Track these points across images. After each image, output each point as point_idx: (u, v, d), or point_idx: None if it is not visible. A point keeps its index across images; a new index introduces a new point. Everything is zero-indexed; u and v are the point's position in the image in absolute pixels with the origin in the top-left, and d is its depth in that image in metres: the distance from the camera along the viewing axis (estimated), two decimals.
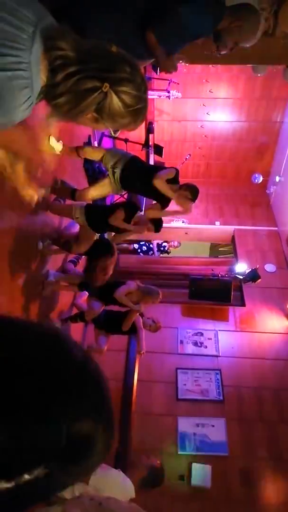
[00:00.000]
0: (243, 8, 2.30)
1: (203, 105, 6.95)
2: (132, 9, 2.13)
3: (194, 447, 4.39)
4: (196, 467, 4.20)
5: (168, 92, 6.37)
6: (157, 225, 3.75)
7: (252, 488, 4.10)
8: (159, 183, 3.42)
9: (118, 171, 3.52)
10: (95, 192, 3.85)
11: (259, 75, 5.54)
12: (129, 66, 1.10)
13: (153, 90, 6.49)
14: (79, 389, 0.53)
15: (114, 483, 2.35)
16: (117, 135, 1.16)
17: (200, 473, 4.14)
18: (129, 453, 4.12)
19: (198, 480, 4.10)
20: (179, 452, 4.35)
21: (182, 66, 4.73)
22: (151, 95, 6.32)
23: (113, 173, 3.56)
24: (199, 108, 7.02)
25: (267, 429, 4.56)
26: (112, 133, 1.28)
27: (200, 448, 4.38)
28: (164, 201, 3.61)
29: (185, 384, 4.88)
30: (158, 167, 3.57)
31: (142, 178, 3.53)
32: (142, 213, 4.23)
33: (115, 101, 1.09)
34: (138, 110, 1.16)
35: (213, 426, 4.53)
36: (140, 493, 2.56)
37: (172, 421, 4.56)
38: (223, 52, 2.49)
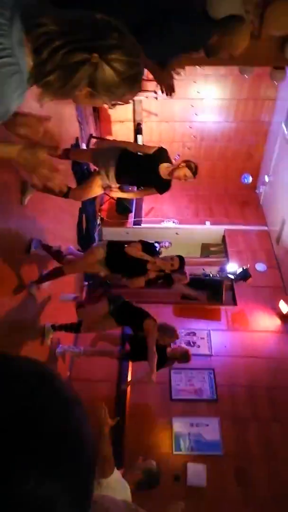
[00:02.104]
0: (231, 21, 2.32)
1: (191, 105, 6.99)
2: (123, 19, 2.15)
3: (189, 447, 4.40)
4: (191, 467, 4.20)
5: (156, 93, 6.37)
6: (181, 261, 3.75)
7: (247, 487, 4.12)
8: (165, 168, 3.49)
9: (112, 168, 3.54)
10: (88, 191, 3.87)
11: (246, 76, 5.58)
12: (117, 32, 1.03)
13: (140, 91, 6.50)
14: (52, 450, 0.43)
15: (121, 483, 2.34)
16: (115, 108, 1.12)
17: (195, 472, 4.14)
18: (124, 456, 4.11)
19: (193, 480, 4.10)
20: (174, 452, 4.35)
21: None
22: (139, 95, 6.33)
23: (108, 171, 3.57)
24: (187, 108, 7.05)
25: (261, 428, 4.59)
26: (111, 106, 1.21)
27: (195, 448, 4.39)
28: (165, 186, 3.64)
29: (178, 384, 4.88)
30: (147, 155, 3.58)
31: (143, 166, 3.57)
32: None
33: (107, 71, 1.04)
34: (133, 77, 1.09)
35: (207, 425, 4.55)
36: (135, 494, 2.57)
37: (167, 422, 4.56)
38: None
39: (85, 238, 6.09)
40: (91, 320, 4.20)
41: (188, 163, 3.52)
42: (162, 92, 3.08)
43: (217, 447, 4.41)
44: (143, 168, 3.58)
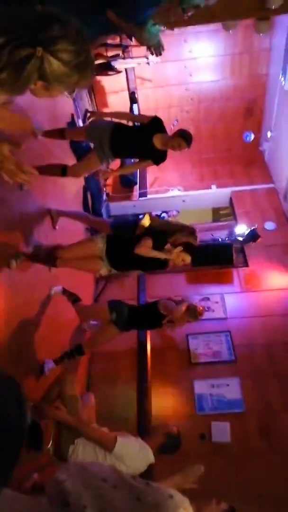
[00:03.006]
0: None
1: (185, 67, 6.77)
2: None
3: (212, 407, 4.55)
4: (215, 424, 4.37)
5: (147, 58, 6.19)
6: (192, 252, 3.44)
7: (270, 439, 4.28)
8: (159, 138, 3.46)
9: (106, 143, 3.52)
10: (86, 167, 3.86)
11: (230, 31, 5.37)
12: (58, 23, 1.04)
13: (131, 58, 6.32)
14: None
15: (133, 451, 2.50)
16: (73, 96, 1.15)
17: (220, 430, 4.31)
18: (149, 421, 4.30)
19: (218, 437, 4.27)
20: (197, 413, 4.52)
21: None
22: (130, 63, 6.17)
23: (102, 148, 3.56)
24: (181, 70, 6.86)
25: (280, 383, 4.69)
26: (69, 96, 1.25)
27: (218, 407, 4.54)
28: (161, 157, 3.62)
29: (196, 349, 5.00)
30: (142, 125, 3.56)
31: (137, 138, 3.54)
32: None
33: (54, 62, 1.06)
34: (81, 64, 1.11)
35: (228, 385, 4.68)
36: (161, 457, 2.73)
37: (188, 385, 4.71)
38: (190, 13, 2.43)
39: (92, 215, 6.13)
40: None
41: (181, 133, 3.47)
42: (152, 53, 3.03)
43: (239, 404, 4.55)
44: (137, 140, 3.55)
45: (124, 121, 3.88)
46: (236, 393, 4.61)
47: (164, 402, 4.56)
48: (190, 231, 3.54)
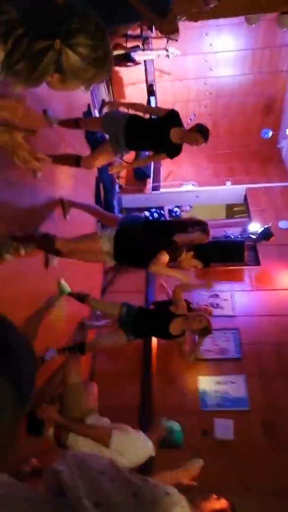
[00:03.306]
0: None
1: (205, 60, 6.68)
2: None
3: (216, 404, 4.53)
4: (218, 421, 4.35)
5: (167, 50, 6.13)
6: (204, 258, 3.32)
7: (274, 438, 4.25)
8: (176, 132, 3.42)
9: (121, 134, 3.49)
10: (100, 159, 3.81)
11: (253, 25, 5.27)
12: (78, 16, 1.04)
13: (151, 50, 6.26)
14: None
15: (132, 444, 2.50)
16: (89, 91, 1.15)
17: (223, 427, 4.29)
18: (152, 414, 4.31)
19: (221, 434, 4.26)
20: (201, 409, 4.50)
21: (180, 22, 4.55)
22: (149, 55, 6.11)
23: (116, 139, 3.54)
24: (200, 64, 6.76)
25: (286, 383, 4.65)
26: (84, 90, 1.24)
27: (222, 404, 4.52)
28: (176, 151, 3.59)
29: (203, 345, 4.97)
30: (159, 118, 3.51)
31: (153, 131, 3.50)
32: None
33: (71, 56, 1.06)
34: (99, 59, 1.11)
35: (233, 383, 4.65)
36: (162, 450, 2.73)
37: (193, 381, 4.70)
38: (212, 5, 2.39)
39: (104, 207, 6.12)
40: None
41: (199, 127, 3.43)
42: (167, 37, 3.00)
43: (243, 402, 4.52)
44: (152, 133, 3.51)
45: (140, 113, 3.85)
46: (241, 391, 4.58)
47: (168, 396, 4.55)
48: (202, 227, 3.52)
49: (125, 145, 3.57)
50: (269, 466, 4.03)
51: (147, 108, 3.75)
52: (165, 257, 3.07)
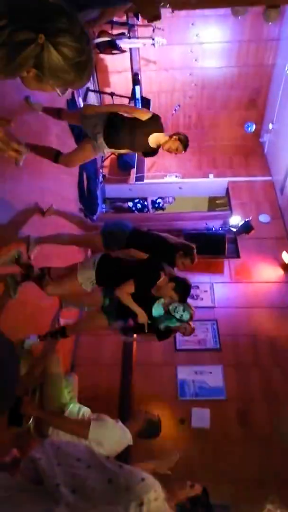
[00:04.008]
0: None
1: (191, 51, 6.65)
2: None
3: (194, 393, 4.63)
4: (195, 410, 4.46)
5: (153, 39, 6.07)
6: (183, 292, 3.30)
7: (248, 426, 4.38)
8: (155, 138, 3.40)
9: (100, 132, 3.42)
10: (79, 157, 3.67)
11: (239, 17, 5.26)
12: (66, 17, 1.03)
13: (137, 38, 6.19)
14: None
15: (110, 434, 2.55)
16: (64, 95, 1.13)
17: (200, 416, 4.40)
18: (131, 403, 4.38)
19: (197, 422, 4.37)
20: (179, 398, 4.60)
21: (165, 10, 4.50)
22: (135, 43, 6.04)
23: (95, 137, 3.45)
24: (186, 54, 6.72)
25: (262, 373, 4.78)
26: (60, 93, 1.19)
27: (199, 393, 4.62)
28: (152, 154, 3.58)
29: (182, 336, 5.05)
30: (139, 120, 3.40)
31: (131, 131, 3.42)
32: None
33: (54, 54, 1.03)
34: (81, 64, 1.09)
35: (210, 373, 4.75)
36: (140, 441, 2.80)
37: (172, 370, 4.78)
38: None
39: (87, 197, 6.09)
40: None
41: (180, 137, 3.43)
42: (152, 27, 2.95)
43: (220, 392, 4.63)
44: (132, 134, 3.43)
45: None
46: (218, 381, 4.70)
47: (147, 386, 4.63)
48: (188, 251, 3.55)
49: (104, 143, 3.48)
50: (242, 454, 4.17)
51: (128, 109, 3.58)
52: (130, 288, 3.10)
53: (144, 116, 3.37)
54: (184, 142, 3.45)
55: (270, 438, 4.25)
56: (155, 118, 3.39)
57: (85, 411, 2.79)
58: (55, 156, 3.59)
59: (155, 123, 3.40)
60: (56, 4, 1.03)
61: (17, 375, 2.21)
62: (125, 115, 3.45)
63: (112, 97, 6.27)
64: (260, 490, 3.84)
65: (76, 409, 2.74)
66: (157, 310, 3.30)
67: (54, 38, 1.02)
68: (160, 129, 3.44)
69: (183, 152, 3.50)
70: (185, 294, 3.25)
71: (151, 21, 2.72)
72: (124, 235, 3.64)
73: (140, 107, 3.62)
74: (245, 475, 4.01)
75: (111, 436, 2.54)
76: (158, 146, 3.48)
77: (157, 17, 2.76)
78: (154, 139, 3.41)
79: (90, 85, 6.46)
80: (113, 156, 7.03)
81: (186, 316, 3.33)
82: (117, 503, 0.94)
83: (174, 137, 3.43)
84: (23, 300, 3.39)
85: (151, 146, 3.45)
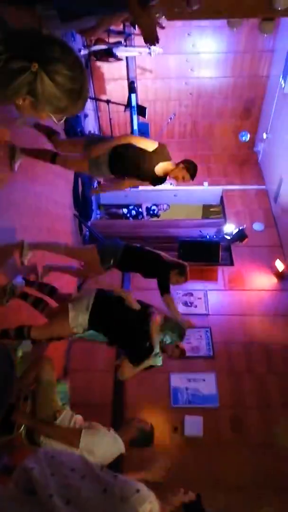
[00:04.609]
0: None
1: (187, 61, 6.73)
2: None
3: (187, 401, 4.61)
4: (188, 418, 4.44)
5: (149, 48, 6.12)
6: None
7: (241, 434, 4.37)
8: (162, 167, 3.32)
9: (105, 162, 3.29)
10: (76, 166, 3.57)
11: (234, 29, 5.34)
12: (60, 47, 1.09)
13: (133, 46, 6.25)
14: None
15: (102, 443, 2.53)
16: (60, 123, 1.19)
17: (193, 424, 4.38)
18: (124, 410, 4.35)
19: (190, 430, 4.35)
20: (172, 406, 4.58)
21: (161, 20, 4.56)
22: (131, 52, 6.10)
23: (100, 167, 3.34)
24: (182, 64, 6.80)
25: (255, 380, 4.79)
26: (56, 121, 1.22)
27: (192, 401, 4.61)
28: (160, 182, 3.47)
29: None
30: (145, 150, 3.28)
31: (138, 162, 3.31)
32: None
33: (47, 82, 1.07)
34: (74, 91, 1.14)
35: (204, 380, 4.75)
36: (132, 449, 2.77)
37: (165, 378, 4.76)
38: (194, 7, 2.41)
39: (81, 203, 6.09)
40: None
41: (189, 166, 3.33)
42: (145, 42, 2.94)
43: (213, 399, 4.63)
44: (137, 165, 3.34)
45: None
46: (211, 388, 4.69)
47: (140, 393, 4.60)
48: (181, 270, 3.51)
49: (109, 171, 3.39)
50: (235, 461, 4.16)
51: (134, 139, 3.42)
52: (128, 369, 2.98)
53: (150, 146, 3.26)
54: (192, 171, 3.34)
55: (264, 445, 4.25)
56: (161, 148, 3.30)
57: (77, 418, 2.76)
58: (52, 156, 3.48)
59: (161, 153, 3.30)
60: (49, 36, 1.10)
61: (11, 383, 2.19)
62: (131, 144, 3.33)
63: (108, 104, 6.31)
64: (254, 497, 3.83)
65: (68, 416, 2.71)
66: (156, 360, 3.19)
67: (48, 66, 1.07)
68: (166, 158, 3.34)
69: (191, 181, 3.39)
70: (180, 335, 3.22)
71: (150, 44, 2.73)
72: (118, 249, 3.52)
73: (147, 138, 3.44)
74: (239, 482, 4.00)
75: (103, 444, 2.51)
76: (166, 174, 3.39)
77: (151, 26, 2.78)
78: (161, 168, 3.33)
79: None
80: None
81: (174, 338, 3.16)
82: None
83: (182, 165, 3.32)
84: (17, 306, 3.37)
85: (158, 175, 3.36)
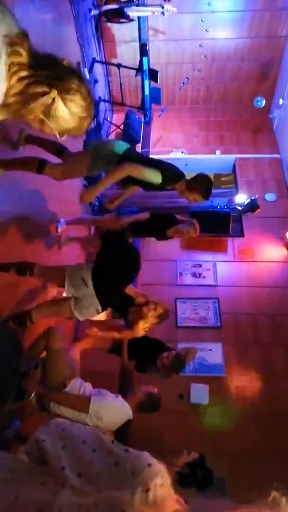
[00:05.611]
0: None
1: (202, 20, 6.39)
2: None
3: (193, 369, 4.71)
4: (194, 386, 4.55)
5: (163, 7, 5.82)
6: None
7: (245, 402, 4.48)
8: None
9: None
10: (70, 173, 3.07)
11: None
12: (77, 79, 1.27)
13: (146, 5, 5.94)
14: None
15: (110, 409, 2.62)
16: (62, 139, 1.34)
17: (198, 391, 4.50)
18: (132, 378, 4.45)
19: (196, 398, 4.46)
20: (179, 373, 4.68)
21: None
22: (144, 11, 5.81)
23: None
24: (197, 24, 6.47)
25: (262, 351, 4.85)
26: (58, 136, 1.36)
27: (199, 370, 4.71)
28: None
29: (184, 313, 5.11)
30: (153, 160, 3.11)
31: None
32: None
33: (61, 108, 1.26)
34: (82, 119, 1.33)
35: (210, 350, 4.83)
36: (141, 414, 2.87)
37: (172, 346, 4.83)
38: None
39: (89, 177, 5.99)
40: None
41: (199, 190, 3.10)
42: None
43: (220, 369, 4.72)
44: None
45: None
46: (218, 358, 4.77)
47: None
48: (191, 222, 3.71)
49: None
50: (240, 429, 4.28)
51: (135, 172, 2.89)
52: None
53: (155, 178, 2.95)
54: (205, 193, 3.14)
55: (268, 413, 4.36)
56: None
57: (86, 386, 2.85)
58: (39, 164, 2.95)
59: (170, 178, 3.08)
60: (70, 67, 1.28)
61: (20, 353, 2.25)
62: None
63: (118, 69, 6.10)
64: (257, 464, 3.96)
65: (78, 383, 2.80)
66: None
67: (65, 95, 1.25)
68: (176, 181, 3.14)
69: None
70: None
71: None
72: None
73: (149, 169, 2.93)
74: (242, 449, 4.13)
75: (111, 410, 2.61)
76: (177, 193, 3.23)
77: None
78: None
79: (96, 55, 6.26)
80: (118, 130, 6.90)
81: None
82: (123, 488, 0.95)
83: (195, 190, 3.09)
84: (15, 281, 3.31)
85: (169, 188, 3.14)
